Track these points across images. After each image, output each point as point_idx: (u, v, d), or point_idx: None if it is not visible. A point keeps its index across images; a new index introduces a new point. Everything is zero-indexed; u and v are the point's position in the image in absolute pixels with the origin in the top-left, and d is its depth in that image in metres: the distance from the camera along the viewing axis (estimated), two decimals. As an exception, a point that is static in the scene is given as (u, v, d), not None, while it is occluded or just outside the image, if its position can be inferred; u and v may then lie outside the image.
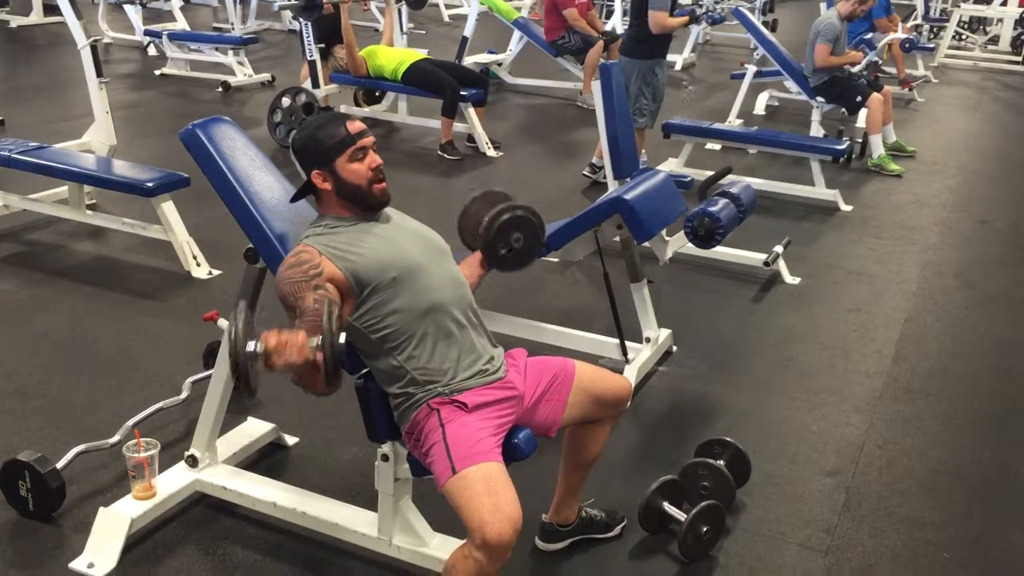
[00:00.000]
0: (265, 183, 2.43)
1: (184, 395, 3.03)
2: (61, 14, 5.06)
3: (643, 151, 5.73)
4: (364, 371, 2.26)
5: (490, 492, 1.96)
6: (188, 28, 9.58)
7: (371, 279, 2.13)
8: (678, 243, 4.09)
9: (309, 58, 6.56)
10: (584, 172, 5.97)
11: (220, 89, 8.13)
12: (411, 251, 2.21)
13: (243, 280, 2.51)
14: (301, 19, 6.46)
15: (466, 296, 2.27)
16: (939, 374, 3.72)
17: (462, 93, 6.40)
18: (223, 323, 2.58)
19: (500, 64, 9.10)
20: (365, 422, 2.28)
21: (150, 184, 4.22)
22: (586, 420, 2.37)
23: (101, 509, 2.48)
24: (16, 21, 10.83)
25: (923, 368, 3.75)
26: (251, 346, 1.76)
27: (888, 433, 3.26)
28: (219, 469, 2.70)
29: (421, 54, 6.87)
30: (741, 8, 8.35)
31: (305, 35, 6.51)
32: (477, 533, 1.92)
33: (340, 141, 2.17)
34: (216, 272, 4.27)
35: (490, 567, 1.94)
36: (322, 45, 6.61)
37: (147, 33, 9.05)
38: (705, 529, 2.53)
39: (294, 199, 2.32)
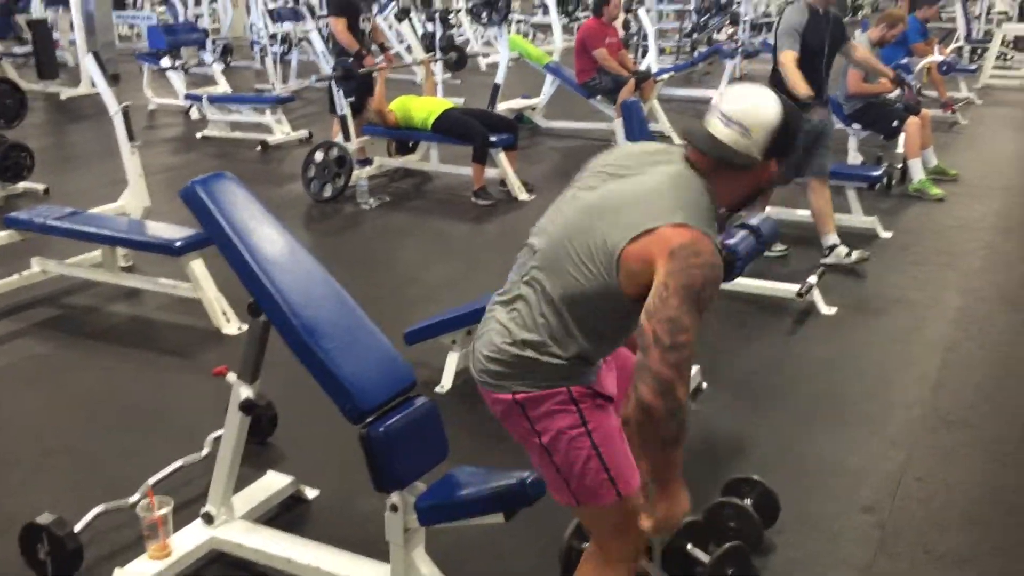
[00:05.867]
0: (266, 236, 2.43)
1: (205, 452, 3.03)
2: (108, 84, 5.17)
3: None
4: (369, 419, 2.23)
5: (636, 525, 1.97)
6: (230, 90, 9.78)
7: None
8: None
9: (340, 113, 6.68)
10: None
11: (259, 148, 8.28)
12: None
13: (248, 334, 2.52)
14: (340, 88, 6.60)
15: None
16: (981, 404, 3.58)
17: (491, 139, 6.43)
18: (231, 377, 2.57)
19: (534, 108, 9.13)
20: (370, 471, 2.24)
21: (178, 243, 4.29)
22: None
23: (117, 570, 2.48)
24: (66, 93, 11.18)
25: (965, 398, 3.62)
26: None
27: (927, 466, 3.13)
28: (235, 525, 2.68)
29: (450, 103, 6.93)
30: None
31: (335, 91, 6.65)
32: (623, 564, 2.02)
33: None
34: (246, 328, 4.30)
35: None
36: (352, 99, 6.70)
37: (188, 97, 9.28)
38: (730, 572, 2.44)
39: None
